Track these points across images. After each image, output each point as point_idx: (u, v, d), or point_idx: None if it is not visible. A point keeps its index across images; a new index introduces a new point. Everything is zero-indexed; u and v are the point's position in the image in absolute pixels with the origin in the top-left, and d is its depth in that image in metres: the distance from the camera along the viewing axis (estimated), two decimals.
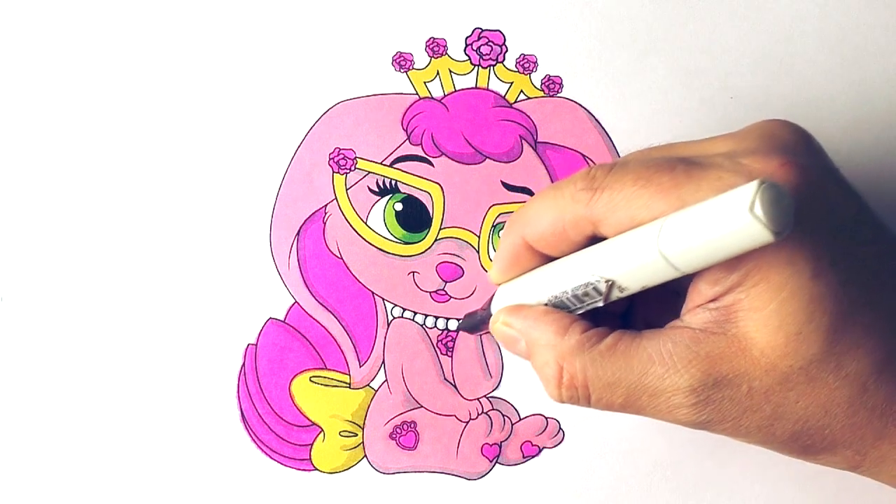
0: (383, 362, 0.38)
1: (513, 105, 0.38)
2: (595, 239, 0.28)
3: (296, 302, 0.38)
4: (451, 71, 0.38)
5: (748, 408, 0.27)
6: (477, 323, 0.34)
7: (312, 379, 0.38)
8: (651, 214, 0.26)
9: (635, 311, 0.33)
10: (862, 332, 0.26)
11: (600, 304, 0.28)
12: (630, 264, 0.26)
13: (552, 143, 0.38)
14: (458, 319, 0.38)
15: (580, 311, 0.29)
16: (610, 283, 0.27)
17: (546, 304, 0.30)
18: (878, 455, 0.29)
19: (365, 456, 0.38)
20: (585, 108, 0.38)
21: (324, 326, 0.38)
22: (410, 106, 0.38)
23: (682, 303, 0.28)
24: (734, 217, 0.23)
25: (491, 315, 0.32)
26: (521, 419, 0.38)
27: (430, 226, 0.38)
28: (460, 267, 0.38)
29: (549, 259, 0.30)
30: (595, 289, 0.27)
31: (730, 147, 0.28)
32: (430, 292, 0.38)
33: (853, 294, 0.26)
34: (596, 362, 0.28)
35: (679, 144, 0.30)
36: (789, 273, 0.25)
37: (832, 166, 0.29)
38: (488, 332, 0.33)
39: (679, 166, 0.26)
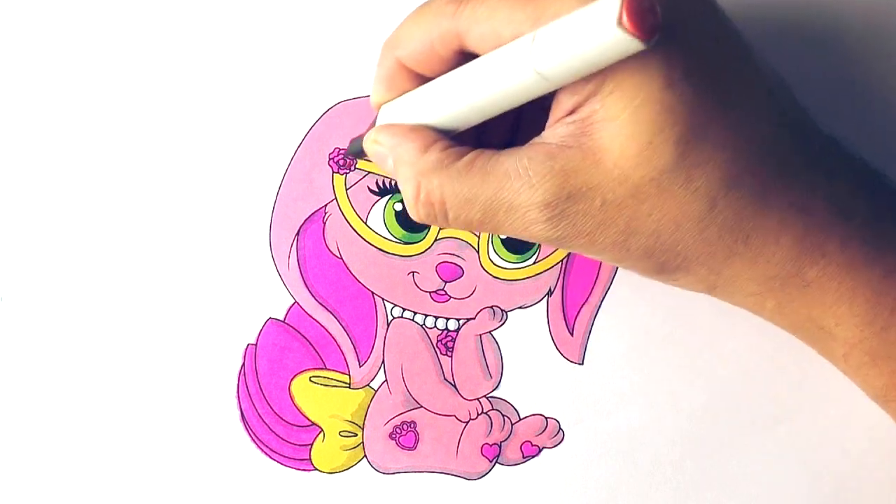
0: (383, 362, 0.38)
1: None
2: (465, 55, 0.28)
3: (296, 302, 0.38)
4: None
5: (602, 222, 0.27)
6: (360, 147, 0.34)
7: (312, 379, 0.38)
8: (513, 26, 0.26)
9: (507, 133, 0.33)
10: (712, 147, 0.26)
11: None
12: (503, 83, 0.26)
13: None
14: (457, 320, 0.38)
15: (453, 133, 0.30)
16: None
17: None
18: (731, 273, 0.29)
19: (365, 456, 0.38)
20: None
21: (324, 326, 0.38)
22: None
23: (543, 122, 0.28)
24: (603, 29, 0.23)
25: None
26: (521, 419, 0.38)
27: (430, 226, 0.38)
28: (460, 267, 0.38)
29: (427, 79, 0.30)
30: None
31: None
32: (429, 292, 0.38)
33: (706, 107, 0.26)
34: (453, 178, 0.28)
35: None
36: (642, 81, 0.25)
37: None
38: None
39: None
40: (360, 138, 0.34)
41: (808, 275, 0.29)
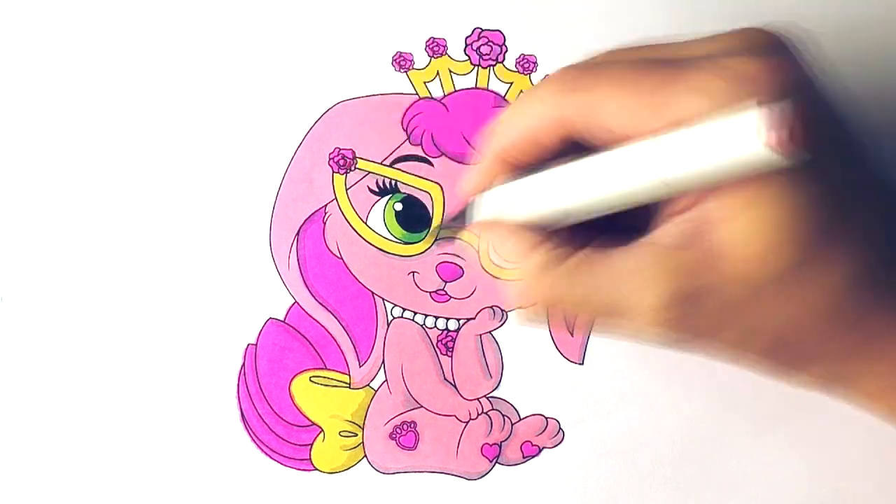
0: (383, 362, 0.38)
1: None
2: (568, 144, 0.27)
3: (296, 302, 0.38)
4: (451, 71, 0.38)
5: (720, 323, 0.26)
6: (451, 232, 0.34)
7: (312, 379, 0.38)
8: (630, 117, 0.25)
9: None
10: (837, 245, 0.26)
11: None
12: (621, 185, 0.25)
13: None
14: (457, 320, 0.38)
15: (555, 228, 0.28)
16: None
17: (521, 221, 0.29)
18: (851, 372, 0.28)
19: (365, 456, 0.38)
20: None
21: (324, 326, 0.38)
22: (410, 106, 0.38)
23: (649, 215, 0.27)
24: (743, 144, 0.21)
25: (464, 224, 0.32)
26: (521, 419, 0.38)
27: (430, 226, 0.38)
28: (460, 267, 0.38)
29: (525, 169, 0.29)
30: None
31: (708, 48, 0.27)
32: (430, 292, 0.38)
33: (830, 207, 0.25)
34: (563, 280, 0.27)
35: (653, 45, 0.28)
36: (765, 182, 0.24)
37: (813, 72, 0.27)
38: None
39: (660, 67, 0.25)
40: (448, 226, 0.35)
41: None
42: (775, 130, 0.21)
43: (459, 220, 0.33)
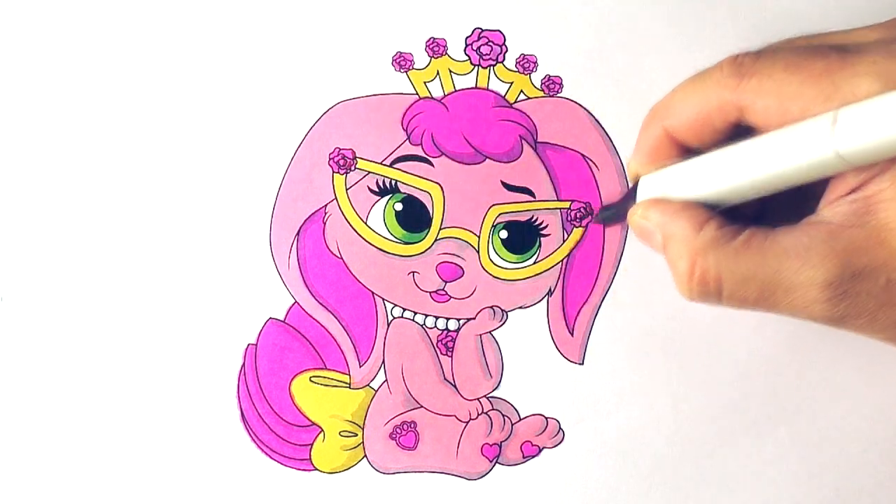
0: (383, 362, 0.38)
1: (513, 105, 0.38)
2: (738, 127, 0.28)
3: (296, 302, 0.38)
4: (451, 71, 0.38)
5: (885, 302, 0.27)
6: (615, 214, 0.34)
7: (312, 379, 0.38)
8: (803, 103, 0.26)
9: (767, 210, 0.32)
10: None
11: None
12: (796, 160, 0.26)
13: (552, 143, 0.38)
14: (457, 320, 0.38)
15: (721, 208, 0.29)
16: None
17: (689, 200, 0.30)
18: None
19: (365, 456, 0.38)
20: (585, 108, 0.38)
21: (324, 326, 0.38)
22: (410, 106, 0.38)
23: (812, 200, 0.28)
24: None
25: (629, 206, 0.32)
26: (521, 419, 0.38)
27: (430, 226, 0.38)
28: (460, 267, 0.38)
29: (689, 150, 0.30)
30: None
31: (880, 34, 0.28)
32: (430, 292, 0.38)
33: None
34: (730, 257, 0.28)
35: (825, 34, 0.29)
36: None
37: None
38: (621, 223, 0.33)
39: (831, 52, 0.26)
40: (611, 207, 0.35)
41: None
42: None
43: (625, 201, 0.33)
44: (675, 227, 0.30)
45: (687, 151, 0.31)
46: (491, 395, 0.38)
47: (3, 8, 0.38)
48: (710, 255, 0.29)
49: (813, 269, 0.27)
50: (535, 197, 0.38)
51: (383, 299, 0.38)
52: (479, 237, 0.38)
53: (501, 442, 0.38)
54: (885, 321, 0.28)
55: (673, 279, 0.30)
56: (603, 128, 0.38)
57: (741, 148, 0.28)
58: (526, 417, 0.38)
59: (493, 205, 0.38)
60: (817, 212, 0.28)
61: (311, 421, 0.38)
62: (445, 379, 0.38)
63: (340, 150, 0.38)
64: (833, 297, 0.27)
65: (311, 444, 0.38)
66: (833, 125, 0.25)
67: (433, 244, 0.38)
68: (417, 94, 0.38)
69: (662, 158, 0.31)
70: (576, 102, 0.38)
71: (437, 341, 0.38)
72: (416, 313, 0.38)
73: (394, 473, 0.38)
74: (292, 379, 0.38)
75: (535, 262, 0.38)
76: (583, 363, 0.38)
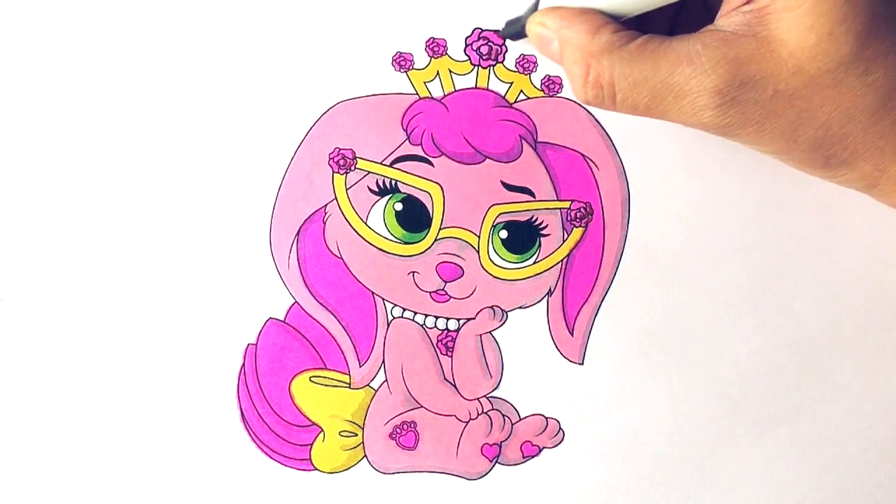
0: (383, 362, 0.38)
1: (513, 105, 0.38)
2: None
3: (296, 302, 0.38)
4: (451, 71, 0.38)
5: (772, 111, 0.28)
6: (519, 28, 0.34)
7: (312, 379, 0.38)
8: None
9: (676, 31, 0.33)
10: (892, 40, 0.27)
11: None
12: None
13: (552, 143, 0.38)
14: (458, 319, 0.38)
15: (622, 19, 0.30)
16: None
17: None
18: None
19: (365, 456, 0.38)
20: (585, 108, 0.38)
21: (324, 326, 0.38)
22: (410, 106, 0.38)
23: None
24: None
25: (528, 13, 0.33)
26: (521, 419, 0.38)
27: (430, 226, 0.38)
28: (460, 267, 0.38)
29: None
30: None
31: None
32: (429, 292, 0.38)
33: (885, 5, 0.26)
34: (624, 61, 0.29)
35: None
36: None
37: None
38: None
39: None
40: (515, 20, 0.35)
41: None
42: None
43: (528, 13, 0.34)
44: (571, 31, 0.30)
45: None
46: (491, 395, 0.38)
47: (3, 8, 0.38)
48: (604, 58, 0.29)
49: (704, 76, 0.27)
50: (534, 197, 0.38)
51: (383, 299, 0.38)
52: (479, 237, 0.38)
53: (501, 442, 0.38)
54: (772, 132, 0.28)
55: (570, 84, 0.31)
56: (603, 128, 0.38)
57: None
58: (526, 417, 0.38)
59: (493, 205, 0.38)
60: (715, 22, 0.29)
61: (311, 421, 0.38)
62: (445, 379, 0.38)
63: (340, 150, 0.38)
64: (722, 104, 0.28)
65: (311, 444, 0.38)
66: None
67: (433, 244, 0.38)
68: (417, 94, 0.38)
69: None
70: (576, 102, 0.38)
71: (437, 341, 0.38)
72: (416, 313, 0.38)
73: (394, 473, 0.38)
74: (292, 379, 0.38)
75: (534, 262, 0.38)
76: (583, 363, 0.38)
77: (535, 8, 0.34)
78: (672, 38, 0.29)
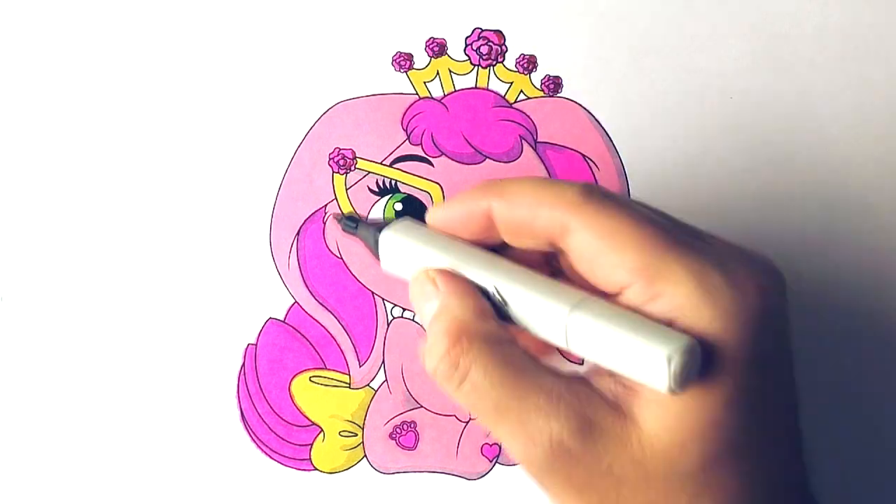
0: (383, 362, 0.38)
1: (513, 105, 0.38)
2: (552, 255, 0.28)
3: (296, 302, 0.38)
4: (451, 71, 0.38)
5: (592, 485, 0.26)
6: (354, 228, 0.31)
7: (312, 379, 0.38)
8: (620, 260, 0.25)
9: None
10: (733, 479, 0.26)
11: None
12: (533, 317, 0.27)
13: (552, 143, 0.38)
14: None
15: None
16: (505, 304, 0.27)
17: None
18: None
19: (365, 456, 0.38)
20: (585, 108, 0.38)
21: (324, 326, 0.38)
22: (410, 106, 0.38)
23: None
24: (649, 373, 0.24)
25: (372, 232, 0.30)
26: None
27: None
28: None
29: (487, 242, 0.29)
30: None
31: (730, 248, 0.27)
32: None
33: (743, 438, 0.25)
34: (492, 360, 0.27)
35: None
36: (703, 392, 0.25)
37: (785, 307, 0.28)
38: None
39: (675, 228, 0.26)
40: (354, 220, 0.32)
41: None
42: (677, 381, 0.23)
43: (374, 224, 0.31)
44: (458, 304, 0.28)
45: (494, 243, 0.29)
46: None
47: (3, 8, 0.38)
48: (475, 345, 0.27)
49: (555, 420, 0.26)
50: None
51: (383, 299, 0.38)
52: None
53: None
54: (588, 501, 0.27)
55: (423, 348, 0.28)
56: (603, 127, 0.38)
57: (518, 275, 0.27)
58: None
59: None
60: (588, 372, 0.27)
61: (310, 421, 0.38)
62: None
63: (340, 150, 0.38)
64: (554, 452, 0.26)
65: (311, 444, 0.38)
66: (567, 320, 0.26)
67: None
68: (417, 94, 0.38)
69: (473, 233, 0.29)
70: (576, 102, 0.38)
71: None
72: (416, 313, 0.38)
73: (394, 473, 0.38)
74: (292, 379, 0.38)
75: None
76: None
77: (385, 224, 0.30)
78: (548, 367, 0.27)
